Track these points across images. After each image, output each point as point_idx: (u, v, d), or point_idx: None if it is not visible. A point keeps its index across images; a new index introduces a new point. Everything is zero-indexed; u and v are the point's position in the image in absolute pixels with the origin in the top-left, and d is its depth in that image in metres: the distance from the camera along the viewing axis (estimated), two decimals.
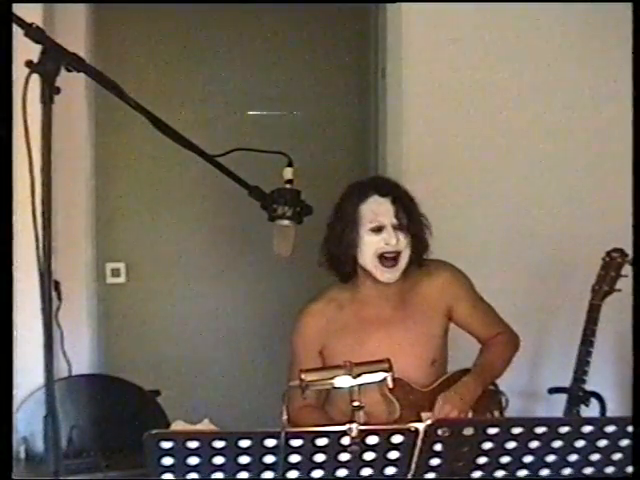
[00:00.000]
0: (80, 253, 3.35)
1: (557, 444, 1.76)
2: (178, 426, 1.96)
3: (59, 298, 2.98)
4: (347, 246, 2.43)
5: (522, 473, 1.79)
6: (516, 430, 1.73)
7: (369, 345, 2.38)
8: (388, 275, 2.43)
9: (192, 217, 3.67)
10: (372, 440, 1.71)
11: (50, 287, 1.76)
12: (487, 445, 1.74)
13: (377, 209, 2.41)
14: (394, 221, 2.41)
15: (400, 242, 2.41)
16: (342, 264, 2.47)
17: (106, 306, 3.57)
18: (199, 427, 1.96)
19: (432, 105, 3.38)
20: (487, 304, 2.62)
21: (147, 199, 3.63)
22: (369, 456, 1.73)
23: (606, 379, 3.29)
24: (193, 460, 1.68)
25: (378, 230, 2.41)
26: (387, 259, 2.42)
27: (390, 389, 2.34)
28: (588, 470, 1.80)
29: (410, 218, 2.43)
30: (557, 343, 3.37)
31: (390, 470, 1.75)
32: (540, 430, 1.73)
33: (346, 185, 2.55)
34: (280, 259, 2.39)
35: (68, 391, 2.95)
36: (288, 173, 2.33)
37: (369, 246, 2.42)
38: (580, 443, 1.76)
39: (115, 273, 3.60)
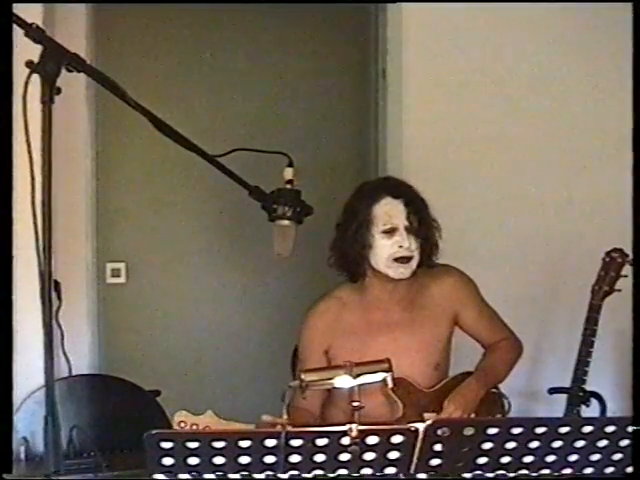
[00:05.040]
0: (80, 253, 3.35)
1: (557, 444, 1.76)
2: (181, 416, 1.96)
3: (59, 298, 2.98)
4: (361, 247, 2.43)
5: (522, 473, 1.79)
6: (516, 430, 1.73)
7: (374, 348, 2.36)
8: (402, 270, 2.43)
9: (192, 217, 3.67)
10: (372, 440, 1.71)
11: (50, 287, 1.76)
12: (487, 445, 1.74)
13: (390, 211, 2.41)
14: (406, 223, 2.41)
15: (412, 245, 2.41)
16: (354, 265, 2.47)
17: (106, 306, 3.57)
18: (202, 418, 1.96)
19: (432, 105, 3.38)
20: (492, 309, 2.63)
21: (147, 199, 3.63)
22: (369, 456, 1.73)
23: (606, 379, 3.29)
24: (193, 460, 1.68)
25: (391, 232, 2.41)
26: (400, 258, 2.42)
27: (393, 389, 2.36)
28: (588, 470, 1.80)
29: (421, 221, 2.43)
30: (557, 343, 3.37)
31: (390, 470, 1.75)
32: (540, 430, 1.73)
33: (351, 184, 2.55)
34: (280, 259, 2.39)
35: (68, 391, 2.95)
36: (288, 173, 2.34)
37: (382, 249, 2.42)
38: (580, 443, 1.76)
39: (115, 273, 3.60)
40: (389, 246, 2.41)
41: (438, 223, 2.49)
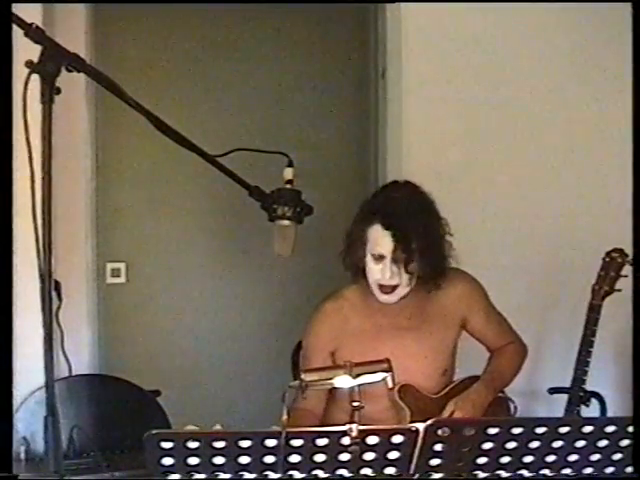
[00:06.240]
0: (80, 253, 3.35)
1: (557, 444, 1.76)
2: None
3: (59, 298, 2.98)
4: (357, 261, 2.42)
5: (522, 473, 1.79)
6: (516, 430, 1.73)
7: (382, 353, 2.29)
8: (385, 297, 2.41)
9: (192, 217, 3.67)
10: (372, 440, 1.71)
11: (50, 287, 1.76)
12: (487, 445, 1.74)
13: (378, 239, 2.35)
14: (392, 255, 2.35)
15: (395, 276, 2.36)
16: (354, 274, 2.46)
17: (106, 306, 3.57)
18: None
19: (432, 105, 3.38)
20: (499, 314, 2.62)
21: (147, 199, 3.63)
22: (369, 456, 1.73)
23: (606, 379, 3.29)
24: (193, 460, 1.68)
25: (379, 258, 2.36)
26: (384, 287, 2.39)
27: (400, 396, 2.36)
28: (588, 470, 1.81)
29: (410, 252, 2.33)
30: (557, 343, 3.37)
31: (390, 470, 1.75)
32: (540, 430, 1.73)
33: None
34: (280, 259, 2.39)
35: (68, 391, 2.95)
36: (288, 173, 2.34)
37: (370, 272, 2.39)
38: (580, 443, 1.76)
39: (115, 273, 3.60)
40: (377, 271, 2.37)
41: (448, 242, 2.43)
